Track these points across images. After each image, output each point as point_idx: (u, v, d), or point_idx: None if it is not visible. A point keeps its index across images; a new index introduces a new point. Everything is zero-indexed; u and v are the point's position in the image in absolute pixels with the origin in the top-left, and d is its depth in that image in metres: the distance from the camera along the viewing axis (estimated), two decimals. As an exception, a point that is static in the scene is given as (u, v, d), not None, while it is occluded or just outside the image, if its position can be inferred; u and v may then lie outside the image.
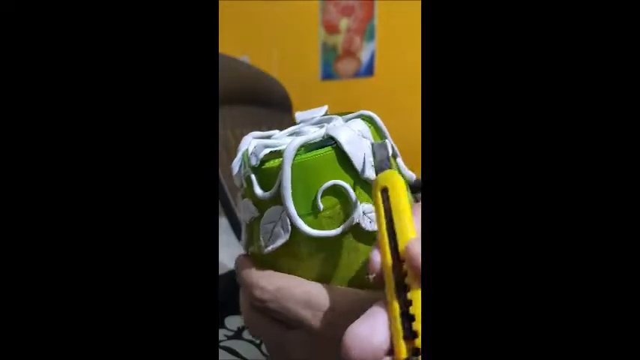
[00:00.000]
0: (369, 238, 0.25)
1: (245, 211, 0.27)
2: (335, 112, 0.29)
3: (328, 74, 2.35)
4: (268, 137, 0.29)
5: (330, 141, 0.25)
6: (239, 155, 0.27)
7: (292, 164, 0.24)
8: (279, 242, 0.25)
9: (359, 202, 0.24)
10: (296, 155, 0.24)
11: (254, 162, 0.25)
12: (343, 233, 0.24)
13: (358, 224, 0.24)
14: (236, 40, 2.43)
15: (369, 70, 2.25)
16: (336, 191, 0.24)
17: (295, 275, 0.25)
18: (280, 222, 0.25)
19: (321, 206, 0.24)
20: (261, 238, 0.26)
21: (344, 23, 2.27)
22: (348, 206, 0.24)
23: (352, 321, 0.22)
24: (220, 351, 0.40)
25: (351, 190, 0.24)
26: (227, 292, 0.44)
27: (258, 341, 0.42)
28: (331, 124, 0.26)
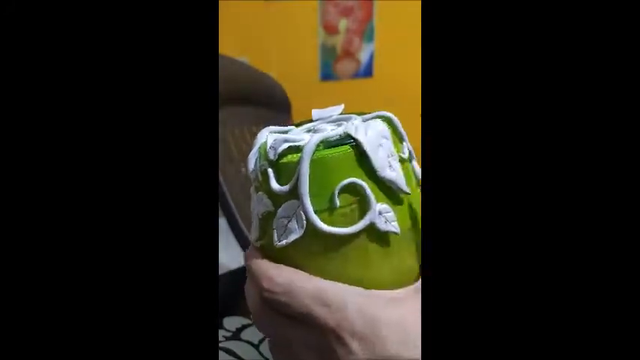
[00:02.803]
0: (383, 238, 0.25)
1: (258, 204, 0.27)
2: (350, 112, 0.29)
3: (327, 75, 2.35)
4: (285, 132, 0.29)
5: (348, 139, 0.25)
6: (255, 149, 0.27)
7: (311, 160, 0.24)
8: (293, 237, 0.25)
9: (375, 202, 0.25)
10: (315, 151, 0.24)
11: (272, 156, 0.25)
12: (357, 232, 0.25)
13: (373, 224, 0.24)
14: (235, 41, 2.43)
15: (368, 71, 2.25)
16: (353, 189, 0.24)
17: (305, 271, 0.25)
18: (295, 217, 0.25)
19: (338, 203, 0.24)
20: (275, 233, 0.26)
21: (343, 24, 2.27)
22: (364, 205, 0.24)
23: (365, 320, 0.23)
24: (219, 352, 0.40)
25: (368, 190, 0.24)
26: (226, 293, 0.44)
27: (256, 342, 0.42)
28: (350, 122, 0.26)
